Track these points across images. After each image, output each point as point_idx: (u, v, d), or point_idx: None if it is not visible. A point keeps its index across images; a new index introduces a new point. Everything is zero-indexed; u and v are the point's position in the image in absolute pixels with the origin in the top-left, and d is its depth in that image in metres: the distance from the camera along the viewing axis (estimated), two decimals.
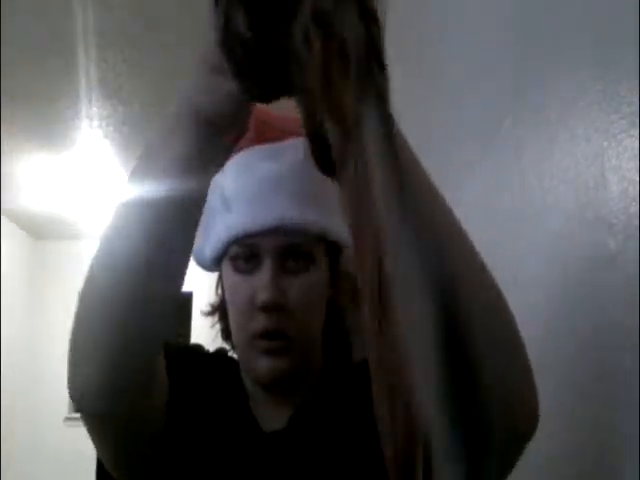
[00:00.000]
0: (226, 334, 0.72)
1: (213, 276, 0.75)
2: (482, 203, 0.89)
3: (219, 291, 0.73)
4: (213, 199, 0.69)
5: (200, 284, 5.09)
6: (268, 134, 0.71)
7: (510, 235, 0.75)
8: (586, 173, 0.52)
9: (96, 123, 3.41)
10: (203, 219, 0.73)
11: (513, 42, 0.74)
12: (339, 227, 0.68)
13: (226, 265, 0.69)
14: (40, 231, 5.34)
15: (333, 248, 0.71)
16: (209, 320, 0.75)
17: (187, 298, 5.04)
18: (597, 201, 0.50)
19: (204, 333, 0.96)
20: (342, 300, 0.75)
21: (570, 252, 0.56)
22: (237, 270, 0.67)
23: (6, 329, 4.89)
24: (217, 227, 0.69)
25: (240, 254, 0.67)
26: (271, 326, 0.65)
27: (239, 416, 0.69)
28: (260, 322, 0.65)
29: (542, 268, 0.64)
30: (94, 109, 3.27)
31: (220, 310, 0.73)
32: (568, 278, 0.57)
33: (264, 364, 0.65)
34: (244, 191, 0.68)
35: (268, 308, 0.64)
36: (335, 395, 0.70)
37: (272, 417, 0.68)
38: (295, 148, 0.68)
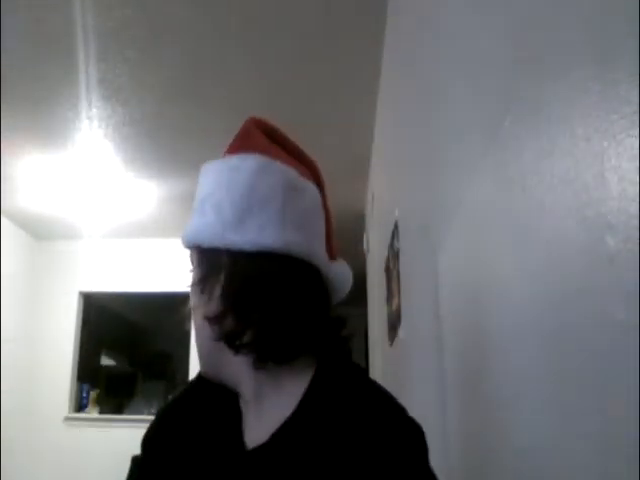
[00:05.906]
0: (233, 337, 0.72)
1: None
2: (483, 203, 0.89)
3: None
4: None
5: None
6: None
7: (510, 235, 0.75)
8: (586, 173, 0.52)
9: (96, 124, 3.42)
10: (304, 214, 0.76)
11: (513, 42, 0.74)
12: None
13: None
14: (40, 231, 5.34)
15: None
16: None
17: (187, 298, 5.04)
18: (597, 201, 0.50)
19: None
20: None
21: (570, 252, 0.56)
22: None
23: (6, 329, 4.89)
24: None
25: None
26: None
27: (227, 430, 0.72)
28: None
29: (542, 268, 0.64)
30: (94, 110, 3.27)
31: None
32: (568, 278, 0.57)
33: None
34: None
35: None
36: (319, 418, 0.68)
37: (258, 429, 0.69)
38: None
